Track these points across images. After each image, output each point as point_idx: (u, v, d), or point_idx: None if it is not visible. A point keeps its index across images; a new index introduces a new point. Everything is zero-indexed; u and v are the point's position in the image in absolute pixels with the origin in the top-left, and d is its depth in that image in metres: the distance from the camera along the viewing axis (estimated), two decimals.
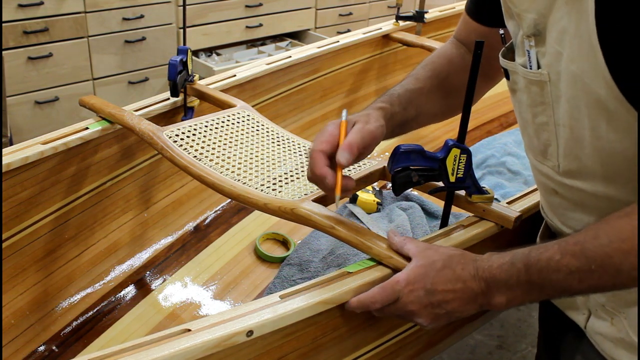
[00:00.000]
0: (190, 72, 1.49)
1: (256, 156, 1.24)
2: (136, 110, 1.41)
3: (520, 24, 0.81)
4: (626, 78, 0.69)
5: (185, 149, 1.23)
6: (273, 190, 1.12)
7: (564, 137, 0.81)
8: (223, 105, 1.45)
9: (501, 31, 0.92)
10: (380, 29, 2.08)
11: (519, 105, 0.89)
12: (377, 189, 1.79)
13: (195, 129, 1.29)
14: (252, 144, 1.29)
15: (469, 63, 1.05)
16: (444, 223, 1.06)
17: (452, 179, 0.99)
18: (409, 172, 0.97)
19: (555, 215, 0.94)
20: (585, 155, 0.79)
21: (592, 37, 0.69)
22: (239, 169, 1.19)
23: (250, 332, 0.77)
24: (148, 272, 1.49)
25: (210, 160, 1.21)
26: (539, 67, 0.80)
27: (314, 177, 0.86)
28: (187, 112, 1.52)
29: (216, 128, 1.32)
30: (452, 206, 1.06)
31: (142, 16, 2.79)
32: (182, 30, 1.60)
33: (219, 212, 1.69)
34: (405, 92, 1.00)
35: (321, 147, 0.85)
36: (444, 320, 0.84)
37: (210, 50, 3.15)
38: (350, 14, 3.58)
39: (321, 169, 0.84)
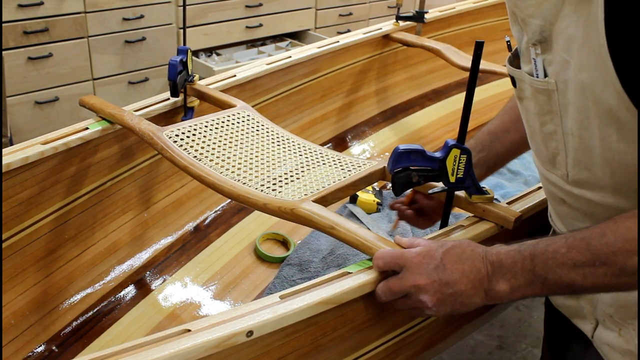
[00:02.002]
0: (190, 72, 1.49)
1: (256, 156, 1.24)
2: (136, 110, 1.41)
3: (525, 30, 0.80)
4: (638, 88, 0.68)
5: (185, 149, 1.23)
6: (273, 190, 1.12)
7: (573, 146, 0.80)
8: (223, 106, 1.45)
9: (507, 38, 0.91)
10: (380, 29, 2.08)
11: (526, 113, 0.88)
12: (377, 189, 1.79)
13: (195, 129, 1.29)
14: (252, 144, 1.29)
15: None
16: (444, 223, 1.06)
17: (452, 179, 0.99)
18: (409, 172, 0.97)
19: (564, 224, 0.93)
20: (595, 166, 0.78)
21: (602, 47, 0.68)
22: (238, 169, 1.19)
23: (250, 333, 0.77)
24: (148, 272, 1.49)
25: (210, 160, 1.21)
26: (545, 76, 0.79)
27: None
28: (187, 112, 1.52)
29: (216, 128, 1.32)
30: (452, 206, 1.06)
31: (142, 16, 2.79)
32: (182, 30, 1.60)
33: (219, 212, 1.69)
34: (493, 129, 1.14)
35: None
36: (449, 305, 0.82)
37: (210, 51, 3.15)
38: (350, 14, 3.57)
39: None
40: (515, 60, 0.87)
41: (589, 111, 0.74)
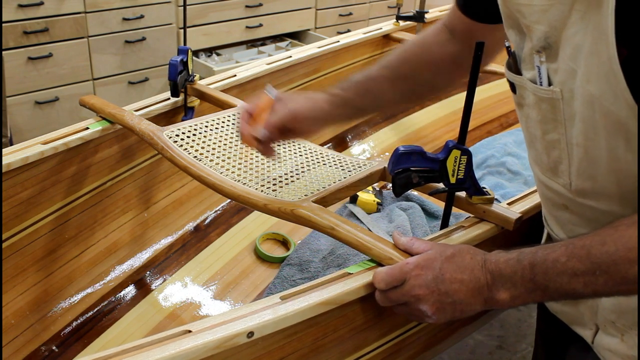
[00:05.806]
0: (190, 72, 1.49)
1: (256, 156, 1.24)
2: (136, 110, 1.41)
3: (530, 36, 0.77)
4: None
5: (186, 149, 1.23)
6: (273, 190, 1.12)
7: (577, 156, 0.78)
8: (223, 105, 1.45)
9: (507, 43, 0.90)
10: (381, 29, 2.08)
11: (526, 120, 0.86)
12: (377, 189, 1.79)
13: (195, 129, 1.29)
14: None
15: (447, 52, 1.03)
16: (445, 224, 1.06)
17: (453, 180, 0.98)
18: (409, 173, 0.97)
19: (563, 230, 0.91)
20: (601, 176, 0.76)
21: (612, 58, 0.66)
22: (239, 169, 1.19)
23: (251, 334, 0.77)
24: (148, 272, 1.49)
25: (211, 160, 1.21)
26: (549, 84, 0.76)
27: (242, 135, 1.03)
28: (187, 112, 1.52)
29: (216, 128, 1.32)
30: (452, 207, 1.06)
31: (142, 16, 2.79)
32: (182, 30, 1.60)
33: (219, 212, 1.69)
34: (364, 79, 1.03)
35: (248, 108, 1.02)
36: (449, 313, 0.82)
37: (210, 51, 3.15)
38: (351, 14, 3.57)
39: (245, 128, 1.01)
40: (514, 65, 0.85)
41: (596, 122, 0.72)
